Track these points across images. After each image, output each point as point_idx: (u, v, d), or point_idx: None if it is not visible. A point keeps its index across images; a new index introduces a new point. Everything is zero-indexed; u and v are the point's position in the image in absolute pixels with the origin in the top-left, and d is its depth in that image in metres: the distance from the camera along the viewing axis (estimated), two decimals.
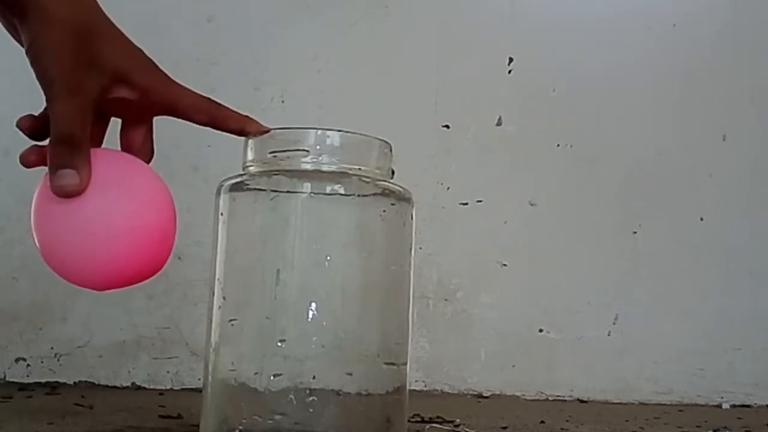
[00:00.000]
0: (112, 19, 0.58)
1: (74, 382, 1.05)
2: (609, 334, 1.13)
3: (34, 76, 0.53)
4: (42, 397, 0.95)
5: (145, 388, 1.06)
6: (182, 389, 1.06)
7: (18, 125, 0.57)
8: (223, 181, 0.64)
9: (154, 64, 0.59)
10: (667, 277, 1.14)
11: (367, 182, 0.62)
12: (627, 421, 0.95)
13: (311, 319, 0.60)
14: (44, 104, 0.54)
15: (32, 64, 0.53)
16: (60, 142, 0.52)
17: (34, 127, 0.56)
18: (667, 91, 1.17)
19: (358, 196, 0.62)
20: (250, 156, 0.63)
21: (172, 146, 1.03)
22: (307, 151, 0.61)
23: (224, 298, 0.62)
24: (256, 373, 0.60)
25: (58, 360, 1.05)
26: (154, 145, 0.62)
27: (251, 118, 0.63)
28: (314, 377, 0.59)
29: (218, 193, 0.64)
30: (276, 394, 0.59)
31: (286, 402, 0.59)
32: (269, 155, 0.62)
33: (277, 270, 0.60)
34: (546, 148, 1.14)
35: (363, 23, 1.14)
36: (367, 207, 0.63)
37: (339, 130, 0.62)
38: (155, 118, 0.62)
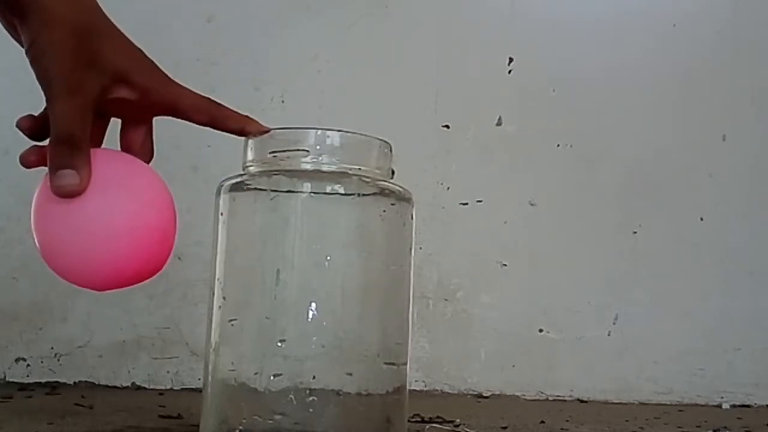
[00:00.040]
0: (112, 19, 0.58)
1: (74, 382, 1.05)
2: (609, 334, 1.13)
3: (34, 76, 0.53)
4: (42, 397, 0.95)
5: (145, 388, 1.06)
6: (182, 389, 1.06)
7: (18, 125, 0.57)
8: (223, 181, 0.64)
9: (154, 64, 0.59)
10: (667, 277, 1.14)
11: (367, 182, 0.62)
12: (627, 421, 0.95)
13: (311, 319, 0.60)
14: (44, 104, 0.54)
15: (32, 64, 0.53)
16: (60, 142, 0.52)
17: (34, 127, 0.57)
18: (667, 91, 1.17)
19: (358, 196, 0.62)
20: (250, 156, 0.63)
21: (172, 146, 1.03)
22: (307, 151, 0.61)
23: (224, 298, 0.62)
24: (256, 373, 0.60)
25: (58, 360, 1.05)
26: (154, 145, 0.62)
27: (251, 118, 0.63)
28: (314, 377, 0.59)
29: (218, 193, 0.64)
30: (276, 394, 0.59)
31: (286, 402, 0.59)
32: (269, 155, 0.62)
33: (277, 270, 0.60)
34: (546, 148, 1.14)
35: (363, 23, 1.14)
36: (367, 207, 0.63)
37: (339, 130, 0.62)
38: (155, 118, 0.62)
